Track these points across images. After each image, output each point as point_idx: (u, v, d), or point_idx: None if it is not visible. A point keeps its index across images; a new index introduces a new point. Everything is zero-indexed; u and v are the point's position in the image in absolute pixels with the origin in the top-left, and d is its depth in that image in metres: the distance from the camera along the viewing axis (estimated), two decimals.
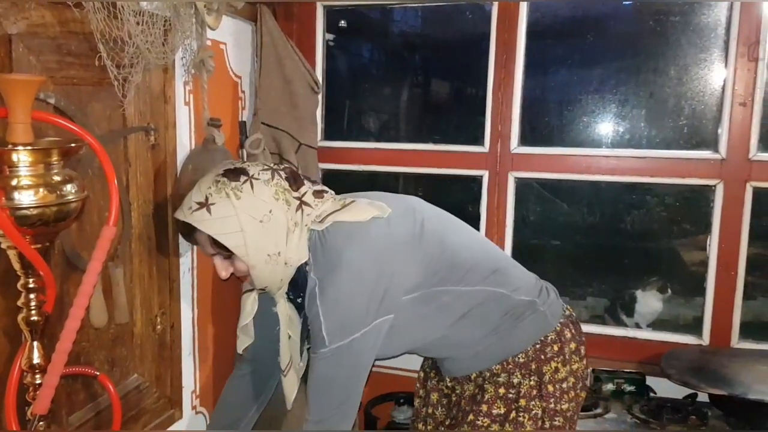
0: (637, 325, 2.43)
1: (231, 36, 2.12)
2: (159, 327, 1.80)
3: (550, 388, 1.43)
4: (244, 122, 2.23)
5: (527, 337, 1.44)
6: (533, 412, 1.42)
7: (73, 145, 1.21)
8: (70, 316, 1.20)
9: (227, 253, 1.30)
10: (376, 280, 1.29)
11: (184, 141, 1.88)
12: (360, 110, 2.82)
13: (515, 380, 1.43)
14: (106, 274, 1.56)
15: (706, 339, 2.20)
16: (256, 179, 1.28)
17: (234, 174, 1.28)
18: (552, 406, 1.43)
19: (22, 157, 1.13)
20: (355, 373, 1.33)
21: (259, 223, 1.27)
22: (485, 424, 1.43)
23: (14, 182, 1.12)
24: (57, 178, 1.16)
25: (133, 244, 1.70)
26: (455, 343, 1.45)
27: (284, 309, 1.38)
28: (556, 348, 1.46)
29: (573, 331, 1.51)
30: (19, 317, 1.23)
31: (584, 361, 1.52)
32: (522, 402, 1.42)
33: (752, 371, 1.94)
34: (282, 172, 1.33)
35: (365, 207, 1.33)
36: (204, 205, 1.26)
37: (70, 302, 1.26)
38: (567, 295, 2.61)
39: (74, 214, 1.20)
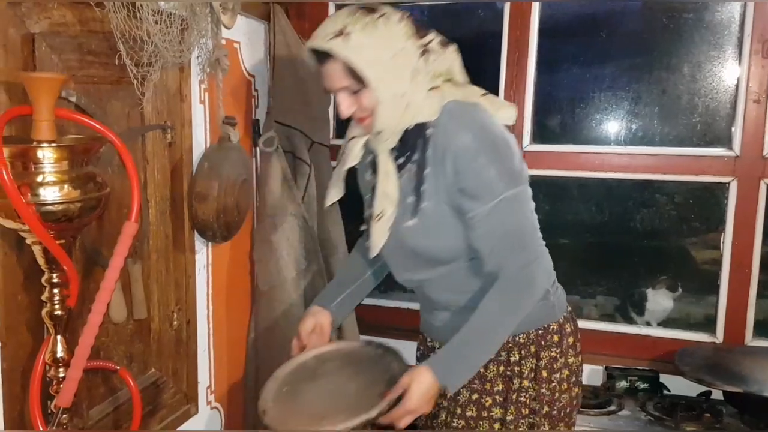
0: (648, 324, 2.43)
1: (244, 35, 2.14)
2: (175, 323, 1.82)
3: (545, 373, 1.46)
4: (258, 120, 2.24)
5: (532, 320, 1.45)
6: (530, 392, 1.46)
7: (96, 142, 1.22)
8: (92, 311, 1.22)
9: (358, 86, 1.32)
10: (510, 150, 1.37)
11: (200, 139, 1.90)
12: None
13: (513, 358, 1.46)
14: (124, 270, 1.57)
15: (719, 337, 2.20)
16: (390, 17, 1.31)
17: (369, 9, 1.31)
18: (545, 391, 1.46)
19: (46, 154, 1.15)
20: (526, 226, 1.38)
21: (391, 58, 1.29)
22: (487, 404, 1.45)
23: (39, 179, 1.14)
24: (80, 175, 1.18)
25: (150, 241, 1.72)
26: (463, 288, 1.45)
27: (384, 164, 1.40)
28: (556, 338, 1.49)
29: (572, 327, 1.55)
30: (43, 311, 1.25)
31: (579, 358, 1.56)
32: (517, 381, 1.45)
33: (767, 369, 1.94)
34: (410, 18, 1.36)
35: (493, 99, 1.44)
36: (341, 33, 1.27)
37: (91, 297, 1.28)
38: (577, 293, 2.61)
39: (97, 210, 1.22)
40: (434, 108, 1.36)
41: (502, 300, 1.36)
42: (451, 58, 1.41)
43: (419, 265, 1.46)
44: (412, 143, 1.38)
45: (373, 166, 1.45)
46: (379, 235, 1.41)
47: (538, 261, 1.40)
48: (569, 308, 1.58)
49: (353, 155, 1.46)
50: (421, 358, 1.66)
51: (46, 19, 1.32)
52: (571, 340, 1.53)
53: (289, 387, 1.43)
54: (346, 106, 1.35)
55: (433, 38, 1.38)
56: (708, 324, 2.27)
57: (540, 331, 1.47)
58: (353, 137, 1.46)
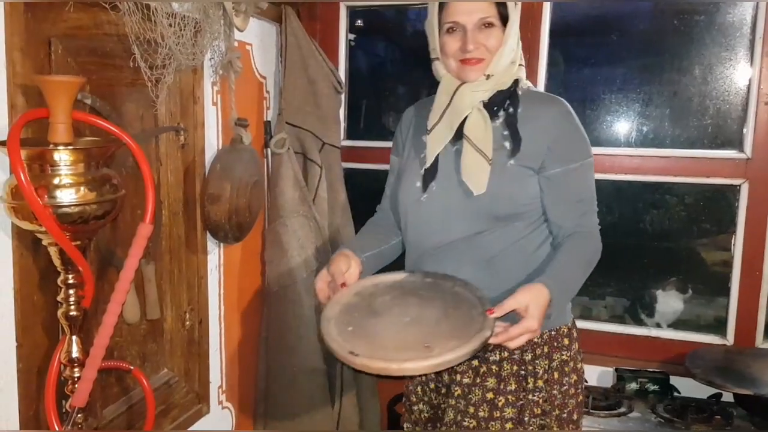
0: (658, 325, 2.43)
1: (256, 37, 2.15)
2: (188, 323, 1.83)
3: (557, 375, 1.47)
4: (269, 122, 2.26)
5: (547, 321, 1.46)
6: (542, 393, 1.46)
7: (112, 144, 1.24)
8: (107, 311, 1.23)
9: (496, 20, 1.42)
10: None
11: (212, 140, 1.91)
12: (382, 109, 2.84)
13: (526, 358, 1.47)
14: (138, 271, 1.58)
15: (730, 339, 2.20)
16: None
17: None
18: (556, 393, 1.47)
19: (63, 157, 1.16)
20: (594, 191, 1.51)
21: (518, 15, 1.47)
22: (500, 403, 1.45)
23: (56, 181, 1.15)
24: (96, 177, 1.20)
25: (163, 242, 1.73)
26: (483, 264, 1.47)
27: (480, 114, 1.46)
28: (566, 342, 1.51)
29: (577, 333, 1.57)
30: (59, 312, 1.26)
31: (582, 365, 1.57)
32: (532, 381, 1.46)
33: None
34: None
35: None
36: None
37: (105, 298, 1.30)
38: (587, 294, 2.61)
39: (112, 212, 1.23)
40: (523, 75, 1.50)
41: (584, 248, 1.47)
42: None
43: (465, 221, 1.46)
44: (500, 101, 1.47)
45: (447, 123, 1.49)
46: (484, 175, 1.43)
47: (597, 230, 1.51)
48: (572, 316, 1.59)
49: (465, 103, 1.47)
50: None
51: (63, 23, 1.34)
52: (577, 345, 1.55)
53: (353, 327, 1.33)
54: (474, 42, 1.42)
55: None
56: (718, 326, 2.27)
57: (552, 333, 1.49)
58: (463, 83, 1.47)
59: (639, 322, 2.47)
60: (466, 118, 1.46)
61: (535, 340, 1.46)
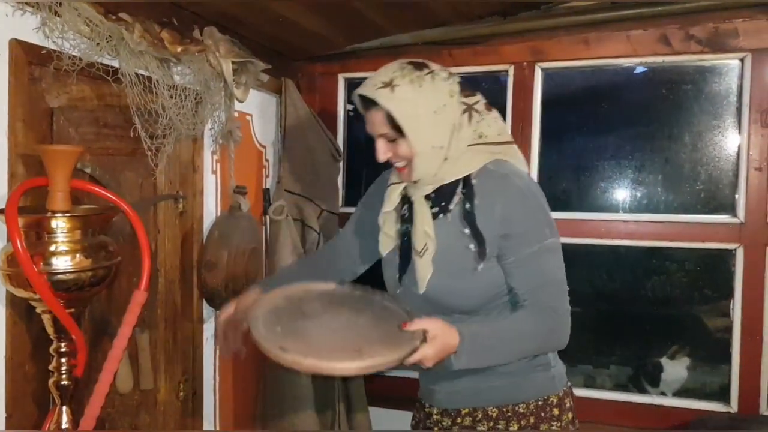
0: (663, 393, 2.39)
1: (257, 108, 2.21)
2: (182, 394, 1.79)
3: None
4: (268, 189, 2.28)
5: (533, 390, 1.44)
6: None
7: (109, 212, 1.25)
8: (99, 380, 1.21)
9: (396, 135, 1.38)
10: (547, 204, 1.44)
11: (211, 208, 1.93)
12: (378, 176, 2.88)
13: (512, 428, 1.43)
14: (131, 340, 1.57)
15: (734, 406, 2.15)
16: (437, 74, 1.38)
17: (418, 65, 1.38)
18: None
19: (60, 224, 1.17)
20: (563, 275, 1.43)
21: (433, 113, 1.36)
22: None
23: (52, 248, 1.16)
24: (93, 244, 1.20)
25: (159, 310, 1.72)
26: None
27: (420, 208, 1.43)
28: (556, 412, 1.46)
29: (571, 402, 1.52)
30: (50, 381, 1.24)
31: None
32: None
33: None
34: (457, 78, 1.43)
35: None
36: (389, 85, 1.35)
37: (97, 367, 1.28)
38: (590, 362, 2.58)
39: (108, 279, 1.23)
40: (474, 163, 1.42)
41: (537, 323, 1.38)
42: (494, 121, 1.47)
43: (425, 313, 1.41)
44: (449, 194, 1.42)
45: (405, 212, 1.49)
46: (426, 270, 1.42)
47: (569, 313, 1.43)
48: (569, 383, 1.55)
49: (391, 200, 1.48)
50: (416, 427, 1.62)
51: (65, 95, 1.38)
52: (570, 415, 1.49)
53: (281, 327, 1.29)
54: (383, 151, 1.41)
55: (479, 100, 1.45)
56: (723, 393, 2.22)
57: (540, 403, 1.45)
58: (392, 183, 1.49)
59: (643, 390, 2.43)
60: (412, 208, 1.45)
61: (521, 410, 1.43)
